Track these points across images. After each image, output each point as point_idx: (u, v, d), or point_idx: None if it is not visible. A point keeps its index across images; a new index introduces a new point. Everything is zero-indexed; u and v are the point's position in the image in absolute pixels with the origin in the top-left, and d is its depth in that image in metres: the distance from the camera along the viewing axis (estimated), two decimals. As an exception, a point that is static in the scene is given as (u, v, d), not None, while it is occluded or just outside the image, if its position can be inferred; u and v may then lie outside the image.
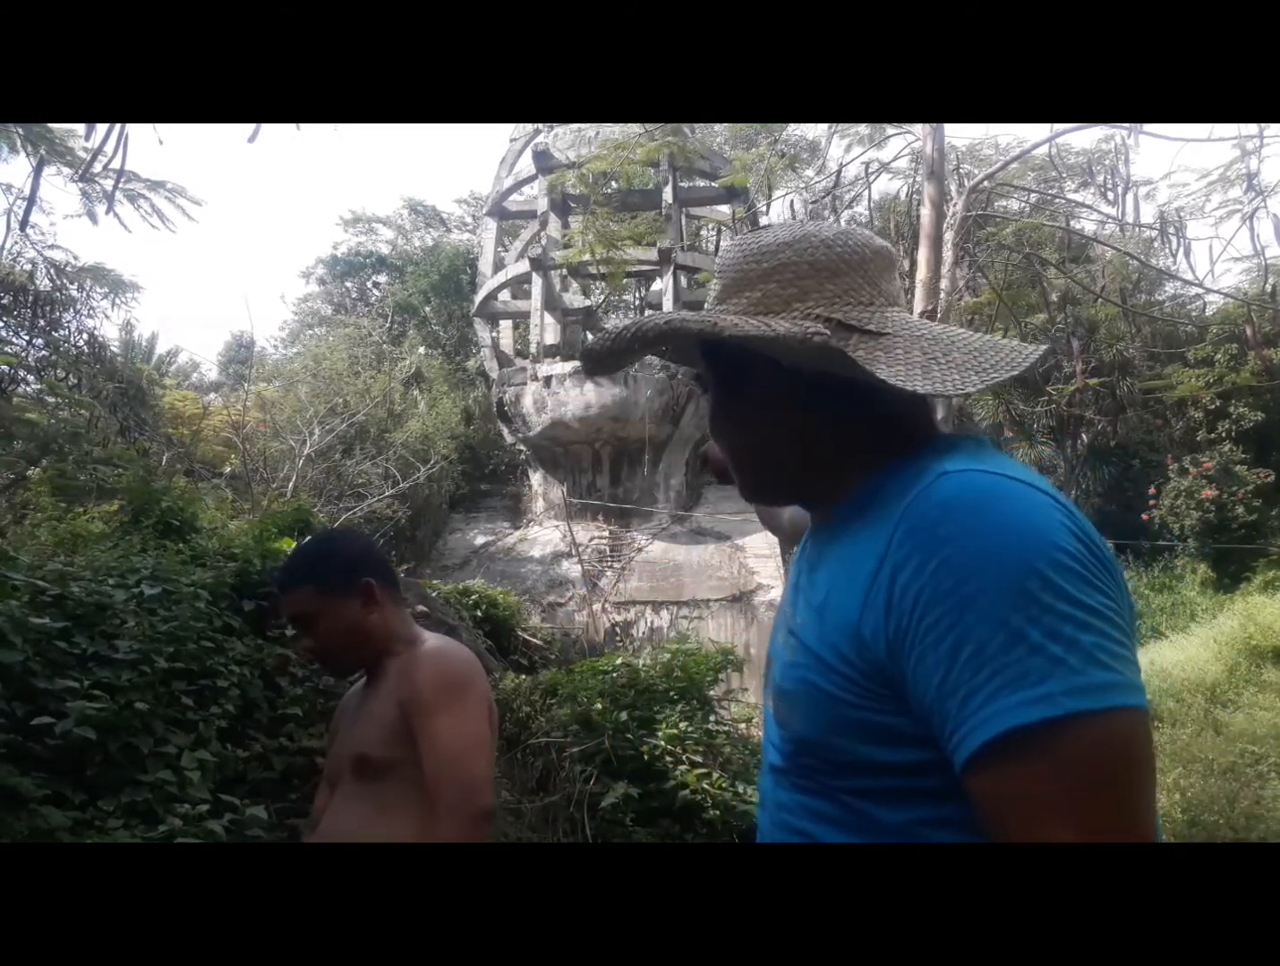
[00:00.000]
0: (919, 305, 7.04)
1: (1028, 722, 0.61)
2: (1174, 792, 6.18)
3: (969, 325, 11.08)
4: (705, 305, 0.92)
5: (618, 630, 11.10)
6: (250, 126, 3.48)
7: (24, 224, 8.77)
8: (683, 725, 4.15)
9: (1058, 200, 11.80)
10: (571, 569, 11.98)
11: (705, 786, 3.79)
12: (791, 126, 16.45)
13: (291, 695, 3.15)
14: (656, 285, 14.75)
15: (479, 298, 14.44)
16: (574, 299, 14.77)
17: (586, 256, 10.96)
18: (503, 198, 14.73)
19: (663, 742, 3.99)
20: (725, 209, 13.93)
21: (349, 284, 21.38)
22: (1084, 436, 14.47)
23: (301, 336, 21.86)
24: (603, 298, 18.25)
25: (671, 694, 4.55)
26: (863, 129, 10.17)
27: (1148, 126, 7.74)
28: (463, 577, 9.41)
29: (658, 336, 0.83)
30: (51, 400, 9.44)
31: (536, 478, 13.85)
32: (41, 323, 9.13)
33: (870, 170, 10.23)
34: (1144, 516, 13.22)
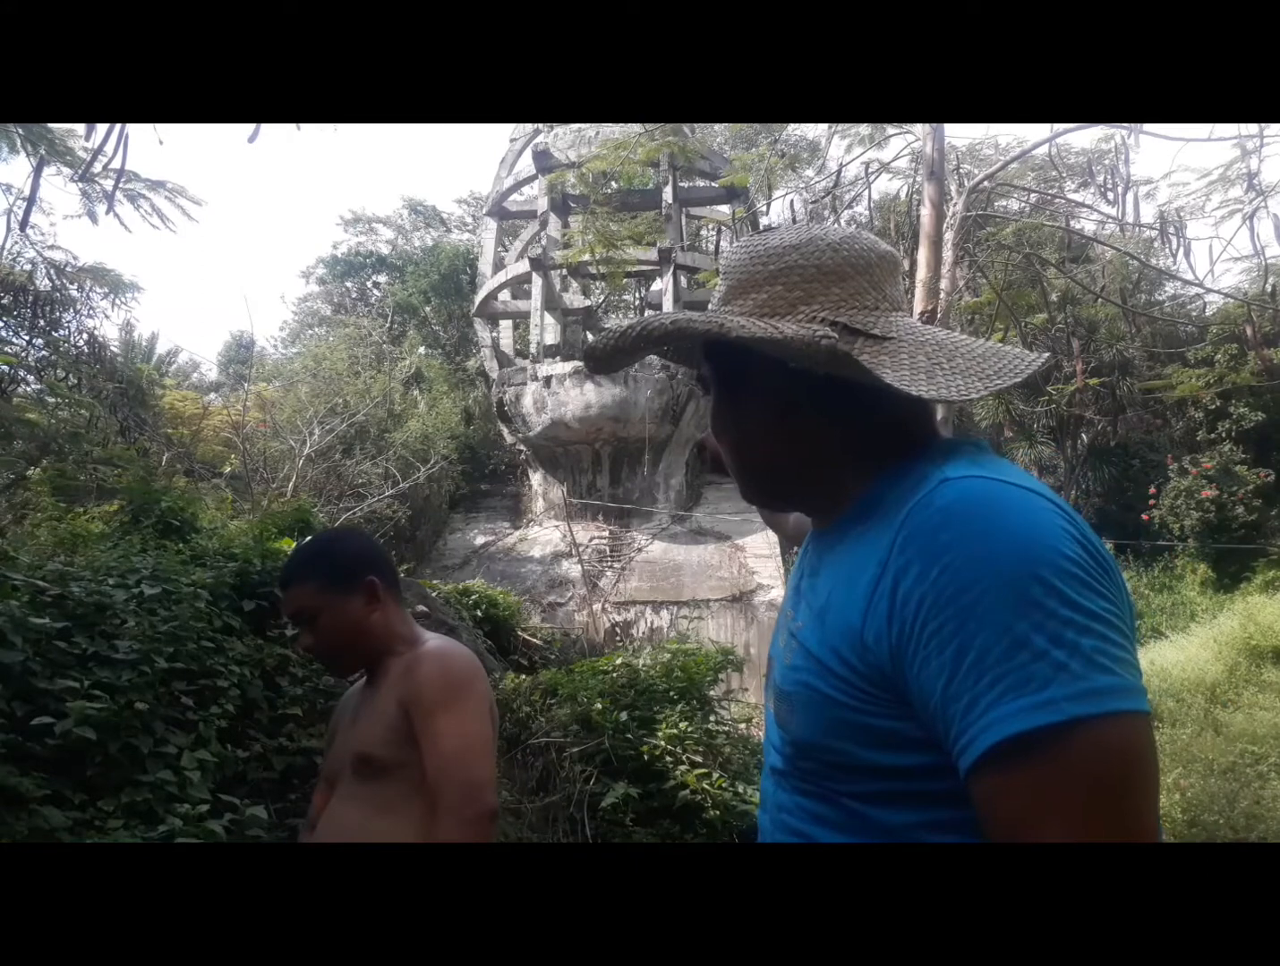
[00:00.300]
0: (919, 305, 7.04)
1: (1032, 728, 0.61)
2: (1174, 792, 6.18)
3: (969, 325, 11.09)
4: (709, 306, 0.91)
5: (618, 630, 11.09)
6: (250, 126, 3.48)
7: (24, 224, 8.78)
8: (683, 725, 4.15)
9: (1058, 200, 11.80)
10: (571, 569, 11.98)
11: (705, 786, 3.79)
12: (791, 126, 16.49)
13: (291, 695, 3.15)
14: (656, 285, 14.75)
15: (479, 298, 14.44)
16: (574, 299, 14.77)
17: (586, 256, 10.96)
18: (503, 198, 14.73)
19: (663, 742, 3.99)
20: (725, 209, 13.92)
21: (349, 284, 21.39)
22: (1084, 436, 14.47)
23: (301, 336, 21.89)
24: (603, 298, 18.27)
25: (671, 694, 4.55)
26: (863, 129, 10.16)
27: (1148, 126, 7.74)
28: (463, 577, 9.41)
29: (663, 336, 0.83)
30: (51, 400, 9.44)
31: (536, 478, 13.85)
32: (41, 323, 9.13)
33: (870, 170, 10.23)
34: (1144, 516, 13.23)
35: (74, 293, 9.92)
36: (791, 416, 0.85)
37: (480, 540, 13.21)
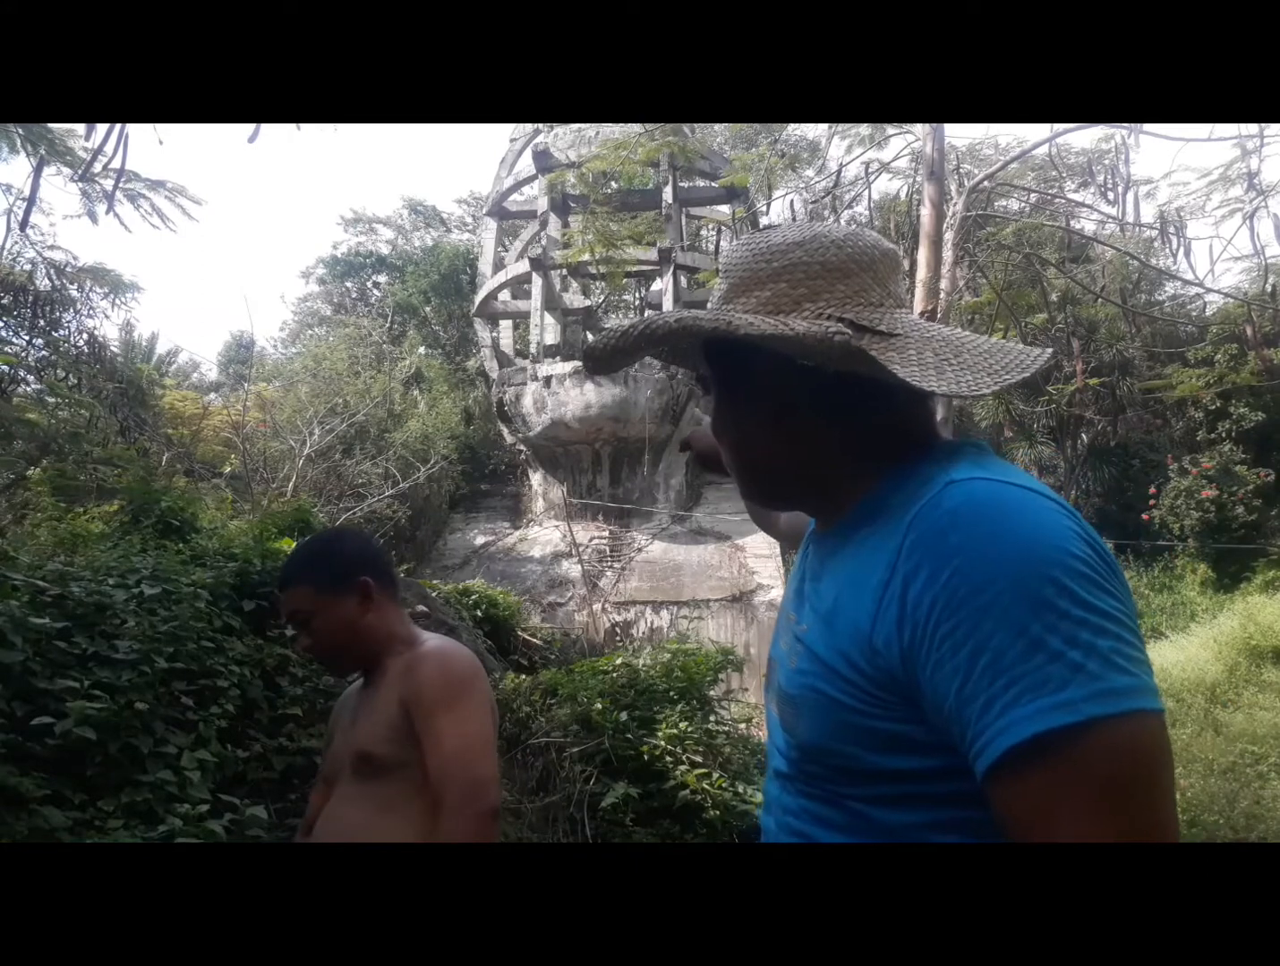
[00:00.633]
0: (919, 305, 7.04)
1: (1050, 728, 0.61)
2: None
3: (969, 325, 11.08)
4: (708, 305, 0.90)
5: (618, 630, 11.10)
6: (250, 126, 3.49)
7: (24, 224, 8.78)
8: (683, 725, 4.14)
9: (1058, 200, 11.80)
10: (571, 569, 11.99)
11: (705, 786, 3.79)
12: (791, 126, 16.48)
13: (291, 695, 3.15)
14: (656, 285, 14.76)
15: (479, 298, 14.45)
16: (574, 299, 14.77)
17: (586, 256, 10.97)
18: (503, 198, 14.73)
19: (663, 742, 3.99)
20: (725, 209, 13.93)
21: (349, 284, 21.40)
22: (1084, 436, 14.47)
23: (301, 336, 21.89)
24: (603, 298, 18.27)
25: (671, 694, 4.55)
26: (863, 129, 10.16)
27: (1148, 126, 7.75)
28: (463, 577, 9.41)
29: (667, 335, 0.81)
30: (51, 400, 9.45)
31: (536, 478, 13.85)
32: (41, 323, 9.13)
33: (870, 170, 10.23)
34: (1144, 516, 13.23)
35: (74, 293, 9.93)
36: (790, 417, 0.84)
37: (480, 540, 13.21)
